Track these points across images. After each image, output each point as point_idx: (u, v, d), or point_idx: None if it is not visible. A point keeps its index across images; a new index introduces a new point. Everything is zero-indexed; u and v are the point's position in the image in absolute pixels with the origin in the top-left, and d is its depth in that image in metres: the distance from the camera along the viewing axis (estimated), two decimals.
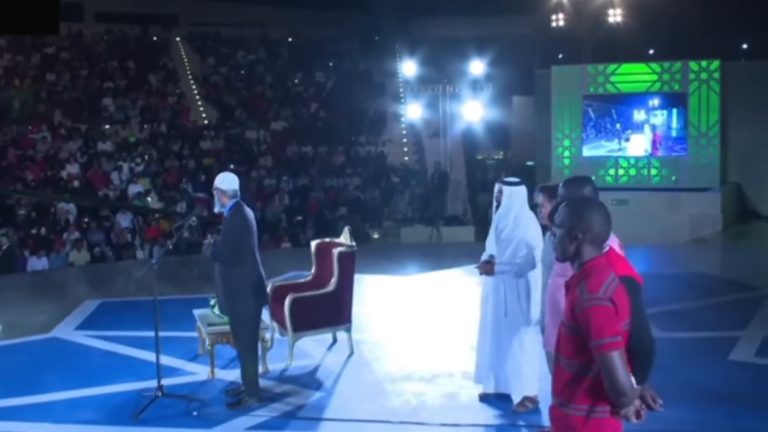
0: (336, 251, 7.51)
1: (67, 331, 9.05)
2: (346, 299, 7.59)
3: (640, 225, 19.57)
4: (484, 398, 6.23)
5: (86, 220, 17.81)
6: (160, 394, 6.25)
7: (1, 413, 6.30)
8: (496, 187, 6.05)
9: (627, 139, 22.16)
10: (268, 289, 7.52)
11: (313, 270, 8.13)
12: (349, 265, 7.55)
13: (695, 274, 12.54)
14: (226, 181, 6.34)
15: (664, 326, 8.80)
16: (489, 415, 6.03)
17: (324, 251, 7.88)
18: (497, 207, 6.02)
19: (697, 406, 6.29)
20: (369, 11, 31.88)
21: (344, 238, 7.85)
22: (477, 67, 22.35)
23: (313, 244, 8.26)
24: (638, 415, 3.18)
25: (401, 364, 7.46)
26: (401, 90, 27.01)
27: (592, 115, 22.45)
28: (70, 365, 7.65)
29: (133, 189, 19.90)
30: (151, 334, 6.49)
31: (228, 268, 6.25)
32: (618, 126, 22.20)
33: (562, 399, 3.16)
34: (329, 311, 7.52)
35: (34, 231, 16.81)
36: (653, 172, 21.99)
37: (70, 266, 15.77)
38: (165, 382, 6.52)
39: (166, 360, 7.37)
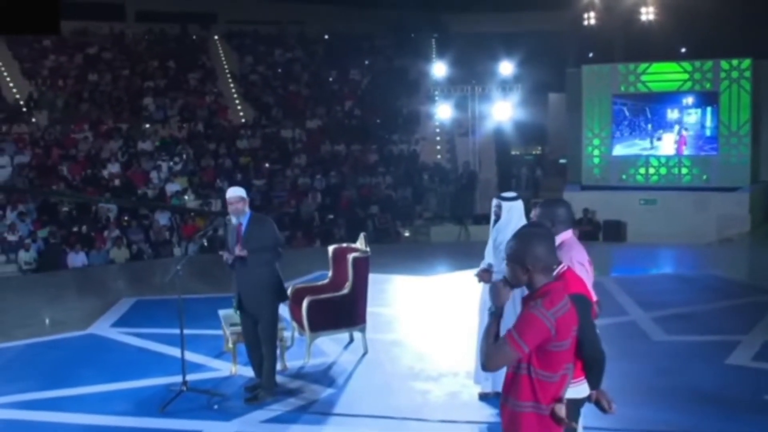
0: (351, 256, 7.98)
1: (103, 328, 9.67)
2: (360, 301, 8.06)
3: (667, 224, 19.81)
4: (484, 397, 6.65)
5: (126, 218, 18.54)
6: (184, 388, 6.79)
7: (39, 404, 6.90)
8: (494, 201, 6.46)
9: (659, 138, 22.28)
10: (289, 290, 8.09)
11: (330, 273, 8.63)
12: (363, 270, 8.02)
13: (713, 277, 12.72)
14: (243, 191, 6.86)
15: (670, 329, 9.14)
16: (486, 413, 6.45)
17: (340, 256, 8.36)
18: (496, 220, 6.43)
19: (687, 408, 6.60)
20: (404, 7, 32.16)
21: (360, 243, 8.32)
22: (506, 67, 22.62)
23: (330, 249, 8.77)
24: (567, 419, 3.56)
25: (411, 363, 7.92)
26: (435, 88, 27.35)
27: (627, 113, 22.59)
28: (105, 361, 8.25)
29: (171, 187, 20.60)
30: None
31: (253, 270, 6.73)
32: (649, 126, 22.32)
33: (508, 396, 3.57)
34: (344, 313, 8.00)
35: (76, 229, 17.58)
36: (684, 171, 22.08)
37: (111, 263, 16.49)
38: (190, 377, 7.06)
39: (192, 357, 7.97)
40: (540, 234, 3.62)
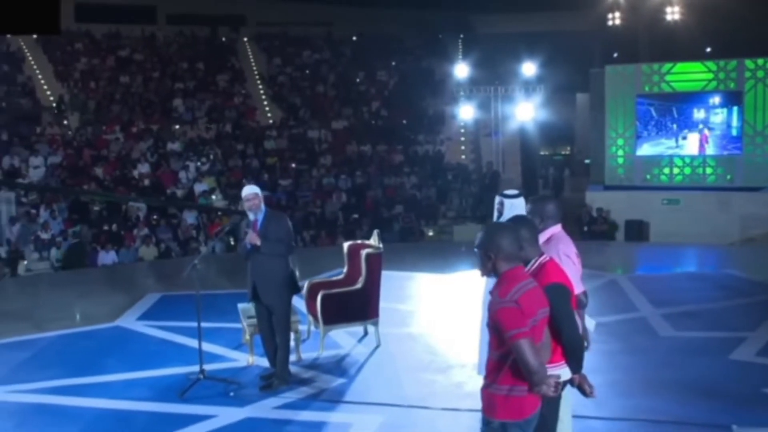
0: (364, 252, 8.29)
1: (129, 321, 10.09)
2: (373, 296, 8.36)
3: (691, 224, 19.86)
4: None
5: (155, 217, 19.02)
6: (201, 377, 7.17)
7: (67, 390, 7.31)
8: (497, 199, 6.73)
9: (684, 137, 22.28)
10: (305, 286, 8.46)
11: (345, 269, 8.95)
12: (376, 265, 8.31)
13: (729, 275, 12.82)
14: (257, 188, 7.24)
15: (678, 325, 9.33)
16: None
17: (354, 252, 8.67)
18: (498, 217, 6.69)
19: (688, 399, 6.79)
20: (431, 7, 32.40)
21: (373, 240, 8.61)
22: (529, 68, 22.81)
23: (345, 245, 9.09)
24: (555, 389, 3.82)
25: (422, 356, 8.21)
26: (459, 89, 27.57)
27: (654, 113, 22.61)
28: (129, 351, 8.65)
29: (199, 187, 21.05)
30: (203, 325, 7.42)
31: (267, 262, 7.08)
32: (674, 126, 22.33)
33: (489, 381, 3.88)
34: (357, 306, 8.30)
35: (106, 227, 18.08)
36: (708, 171, 22.05)
37: (140, 261, 16.95)
38: (210, 367, 7.47)
39: (213, 348, 8.38)
40: (506, 227, 3.97)
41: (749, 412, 6.51)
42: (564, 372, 4.24)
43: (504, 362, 3.79)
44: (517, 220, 4.36)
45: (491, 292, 3.89)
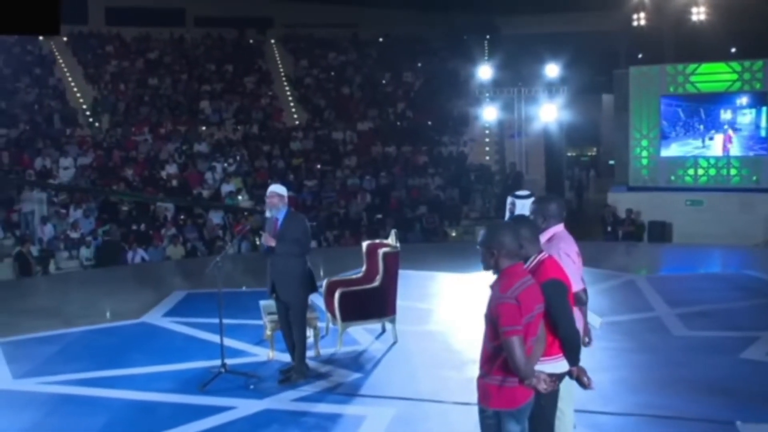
0: (381, 251, 8.52)
1: (155, 317, 10.41)
2: (390, 294, 8.59)
3: (714, 225, 19.82)
4: None
5: (182, 217, 19.39)
6: (223, 370, 7.43)
7: (94, 382, 7.62)
8: (509, 199, 6.96)
9: (711, 138, 22.21)
10: (324, 283, 8.72)
11: (364, 267, 9.18)
12: (392, 264, 8.54)
13: (748, 276, 12.88)
14: (284, 189, 7.50)
15: (692, 325, 9.44)
16: None
17: (372, 251, 8.90)
18: (510, 217, 6.89)
19: (697, 397, 6.91)
20: (457, 9, 32.51)
21: (391, 239, 8.84)
22: (552, 69, 22.89)
23: (364, 244, 9.33)
24: (546, 385, 4.01)
25: (438, 353, 8.43)
26: (483, 91, 27.67)
27: (682, 115, 22.56)
28: (154, 346, 8.96)
29: (226, 188, 21.39)
30: (226, 321, 7.72)
31: (285, 260, 7.33)
32: (701, 127, 22.27)
33: (484, 371, 4.09)
34: (374, 304, 8.54)
35: (135, 227, 18.48)
36: (732, 172, 21.97)
37: (167, 260, 17.32)
38: (231, 362, 7.71)
39: (235, 344, 8.65)
40: (507, 225, 4.18)
41: (755, 410, 6.63)
42: (562, 364, 4.43)
43: (498, 354, 3.99)
44: (517, 219, 4.57)
45: (491, 287, 4.09)
